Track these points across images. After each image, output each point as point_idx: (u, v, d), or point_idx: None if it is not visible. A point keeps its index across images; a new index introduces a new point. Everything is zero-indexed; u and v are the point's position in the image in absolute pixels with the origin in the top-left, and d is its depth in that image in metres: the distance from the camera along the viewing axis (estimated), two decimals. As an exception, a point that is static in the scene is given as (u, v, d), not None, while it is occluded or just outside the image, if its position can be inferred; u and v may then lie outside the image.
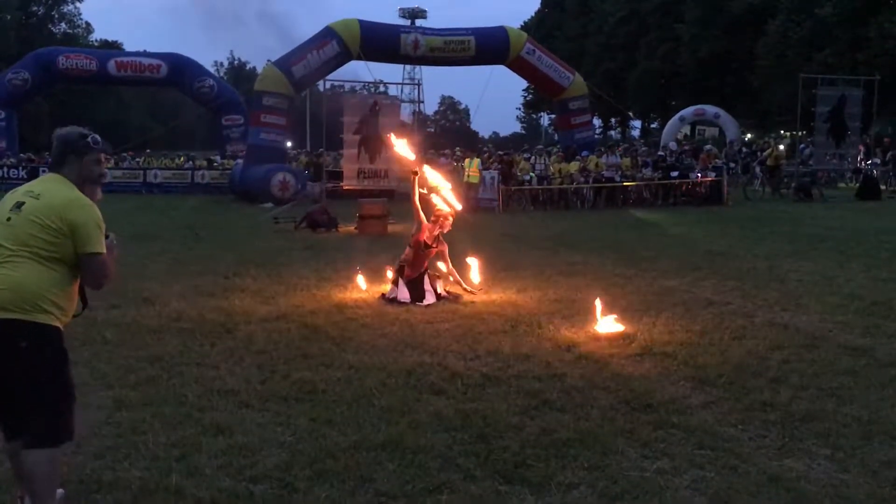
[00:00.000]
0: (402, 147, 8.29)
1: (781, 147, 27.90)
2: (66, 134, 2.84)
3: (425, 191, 7.98)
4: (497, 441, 3.76)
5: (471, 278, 7.84)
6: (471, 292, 7.57)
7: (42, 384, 2.63)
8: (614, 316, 6.09)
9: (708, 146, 25.17)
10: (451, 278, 7.69)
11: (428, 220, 7.60)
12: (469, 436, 3.82)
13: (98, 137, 2.86)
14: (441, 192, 7.92)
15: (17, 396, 2.62)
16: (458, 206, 8.03)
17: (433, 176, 8.10)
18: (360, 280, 7.90)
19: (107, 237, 2.86)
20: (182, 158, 32.56)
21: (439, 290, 7.43)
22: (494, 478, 3.36)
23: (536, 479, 3.34)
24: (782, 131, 38.32)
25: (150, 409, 4.09)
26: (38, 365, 2.61)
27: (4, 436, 2.77)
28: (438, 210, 7.66)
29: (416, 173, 7.86)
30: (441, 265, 7.71)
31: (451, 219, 7.67)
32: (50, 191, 2.72)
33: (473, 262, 8.00)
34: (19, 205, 2.68)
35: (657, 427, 3.94)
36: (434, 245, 7.51)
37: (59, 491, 2.91)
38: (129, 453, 3.61)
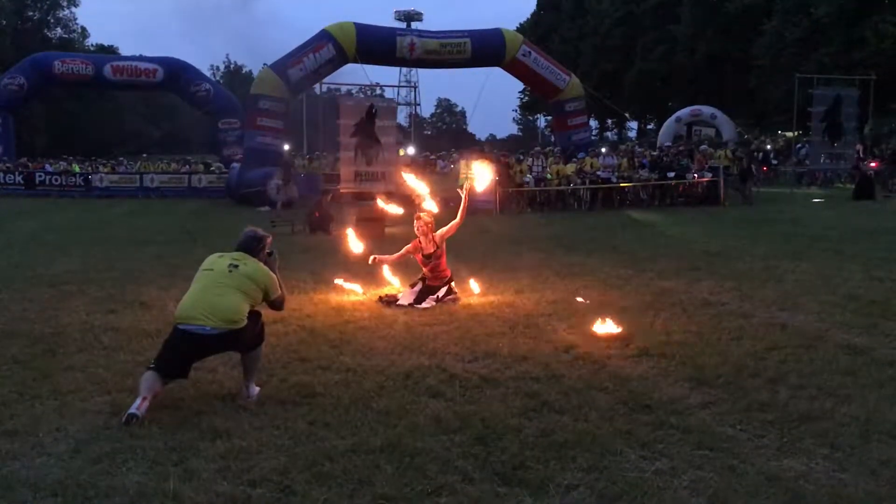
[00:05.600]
0: (411, 181, 8.32)
1: (772, 147, 27.83)
2: (259, 235, 4.75)
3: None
4: (496, 443, 3.76)
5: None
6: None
7: (250, 340, 4.51)
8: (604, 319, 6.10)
9: (703, 146, 25.17)
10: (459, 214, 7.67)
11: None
12: (467, 438, 3.82)
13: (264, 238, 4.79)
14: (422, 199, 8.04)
15: (241, 347, 4.51)
16: (435, 209, 8.03)
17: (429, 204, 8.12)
18: (341, 283, 7.99)
19: (270, 254, 4.76)
20: (173, 166, 32.37)
21: (439, 295, 7.44)
22: (493, 480, 3.36)
23: (535, 481, 3.34)
24: (780, 131, 38.38)
25: (147, 413, 4.08)
26: (245, 340, 4.47)
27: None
28: (417, 214, 7.70)
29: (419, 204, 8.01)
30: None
31: (430, 218, 7.66)
32: (252, 263, 4.59)
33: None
34: (235, 266, 4.51)
35: (656, 428, 3.94)
36: (434, 249, 7.54)
37: (255, 388, 4.54)
38: (127, 458, 3.60)
